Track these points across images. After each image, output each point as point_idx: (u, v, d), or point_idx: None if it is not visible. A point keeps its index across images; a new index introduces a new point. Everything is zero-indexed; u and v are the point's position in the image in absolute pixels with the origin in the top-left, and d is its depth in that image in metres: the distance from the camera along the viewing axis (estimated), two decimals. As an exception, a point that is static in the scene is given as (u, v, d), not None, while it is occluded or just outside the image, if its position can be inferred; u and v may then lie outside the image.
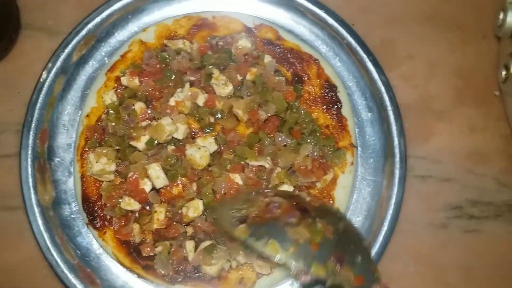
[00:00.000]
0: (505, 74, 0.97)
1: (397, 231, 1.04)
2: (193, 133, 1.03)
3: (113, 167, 0.99)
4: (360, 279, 0.79)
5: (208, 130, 1.03)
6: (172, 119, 1.00)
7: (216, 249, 0.95)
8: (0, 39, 1.09)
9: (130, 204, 0.98)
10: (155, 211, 0.98)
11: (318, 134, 1.04)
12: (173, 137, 1.00)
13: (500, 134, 1.12)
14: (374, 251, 1.02)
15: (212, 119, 1.03)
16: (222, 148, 1.02)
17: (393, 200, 1.03)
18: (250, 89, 1.02)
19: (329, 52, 1.13)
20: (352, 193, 1.06)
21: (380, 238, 1.02)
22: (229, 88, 1.02)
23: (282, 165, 0.99)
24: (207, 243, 0.96)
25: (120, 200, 0.98)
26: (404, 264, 1.06)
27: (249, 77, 1.04)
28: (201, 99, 1.01)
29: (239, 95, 1.03)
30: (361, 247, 0.85)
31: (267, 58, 1.06)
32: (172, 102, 1.01)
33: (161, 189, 1.00)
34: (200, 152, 0.98)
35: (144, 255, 0.98)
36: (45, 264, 1.01)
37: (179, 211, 0.99)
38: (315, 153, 1.01)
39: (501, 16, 0.99)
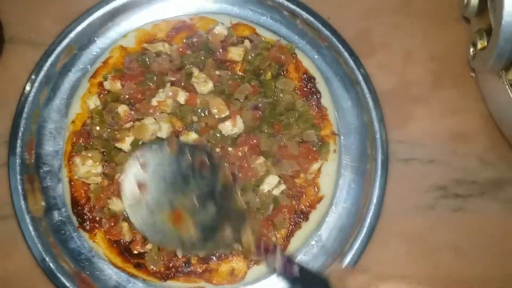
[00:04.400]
0: (473, 51, 1.00)
1: (384, 215, 1.06)
2: (176, 132, 1.05)
3: (99, 169, 1.01)
4: None
5: (192, 128, 1.05)
6: (155, 118, 1.02)
7: None
8: (-16, 54, 1.12)
9: (118, 204, 0.99)
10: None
11: (305, 119, 1.06)
12: (157, 136, 1.02)
13: (480, 113, 1.14)
14: (361, 236, 1.03)
15: (195, 118, 1.05)
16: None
17: (377, 184, 1.05)
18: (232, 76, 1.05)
19: (306, 45, 1.16)
20: (337, 180, 1.07)
21: (367, 223, 1.03)
22: (209, 85, 1.04)
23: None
24: None
25: (108, 201, 1.00)
26: (394, 247, 1.07)
27: (235, 57, 1.07)
28: (181, 97, 1.03)
29: (221, 89, 1.05)
30: None
31: (247, 43, 1.08)
32: (154, 102, 1.03)
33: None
34: None
35: (135, 252, 0.99)
36: (39, 270, 1.02)
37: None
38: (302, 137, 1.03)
39: None
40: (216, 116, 1.02)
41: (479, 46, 0.97)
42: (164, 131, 1.02)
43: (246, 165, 1.00)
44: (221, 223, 0.92)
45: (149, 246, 0.98)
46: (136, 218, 0.91)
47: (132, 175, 0.91)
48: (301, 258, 1.05)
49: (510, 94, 0.92)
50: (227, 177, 0.95)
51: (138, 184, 0.91)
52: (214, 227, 0.92)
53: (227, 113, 1.02)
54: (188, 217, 0.91)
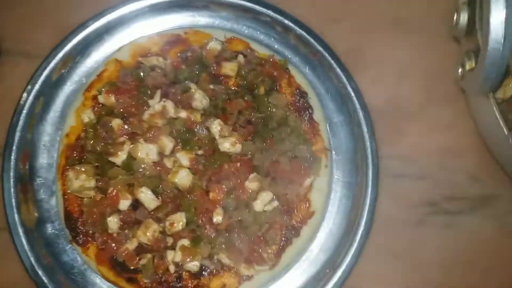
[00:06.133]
0: (461, 71, 1.01)
1: (375, 230, 1.07)
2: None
3: (92, 183, 1.01)
4: None
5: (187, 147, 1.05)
6: (145, 140, 1.02)
7: (200, 242, 0.98)
8: (-20, 66, 1.13)
9: (116, 222, 1.00)
10: (146, 227, 0.99)
11: (297, 134, 1.07)
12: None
13: (470, 130, 1.15)
14: (352, 251, 1.04)
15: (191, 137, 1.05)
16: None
17: (367, 200, 1.06)
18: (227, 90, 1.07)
19: (299, 61, 1.17)
20: (328, 195, 1.08)
21: (358, 238, 1.04)
22: (205, 102, 1.06)
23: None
24: (184, 241, 0.99)
25: (109, 219, 1.00)
26: (383, 262, 1.09)
27: (229, 72, 1.08)
28: (171, 112, 1.04)
29: (215, 104, 1.06)
30: None
31: (240, 58, 1.10)
32: (146, 115, 1.04)
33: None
34: (181, 174, 1.01)
35: (131, 267, 0.99)
36: (31, 283, 1.03)
37: (161, 224, 1.01)
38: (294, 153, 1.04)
39: (455, 16, 1.03)
40: (216, 136, 1.04)
41: (467, 67, 0.98)
42: (153, 153, 1.02)
43: (239, 181, 1.01)
44: None
45: (143, 261, 0.99)
46: None
47: None
48: (292, 273, 1.06)
49: (497, 114, 0.93)
50: None
51: None
52: None
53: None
54: None
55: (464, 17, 0.99)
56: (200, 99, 1.05)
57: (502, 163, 1.10)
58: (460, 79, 1.02)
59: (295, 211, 1.04)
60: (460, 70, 1.00)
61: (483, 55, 0.86)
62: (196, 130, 1.04)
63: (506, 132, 0.94)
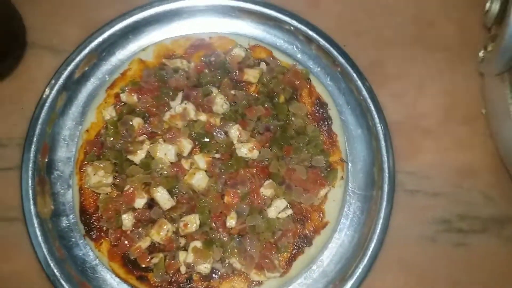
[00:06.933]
0: (483, 53, 1.02)
1: (387, 244, 1.07)
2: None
3: (110, 180, 1.03)
4: None
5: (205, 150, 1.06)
6: (164, 140, 1.04)
7: (213, 244, 0.99)
8: (6, 57, 1.14)
9: (131, 220, 1.01)
10: (159, 226, 1.00)
11: (315, 144, 1.07)
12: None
13: (487, 150, 1.15)
14: (363, 264, 1.04)
15: (209, 140, 1.06)
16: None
17: (382, 214, 1.06)
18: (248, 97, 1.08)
19: (321, 71, 1.18)
20: (342, 207, 1.09)
21: (369, 251, 1.04)
22: (225, 106, 1.06)
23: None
24: (197, 243, 0.99)
25: (123, 216, 1.01)
26: (393, 277, 1.09)
27: (251, 78, 1.09)
28: (191, 114, 1.05)
29: (235, 109, 1.07)
30: None
31: (263, 65, 1.11)
32: (167, 116, 1.05)
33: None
34: (197, 176, 1.02)
35: (143, 266, 1.00)
36: (43, 275, 1.04)
37: (175, 224, 1.02)
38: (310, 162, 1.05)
39: (488, 3, 1.03)
40: (234, 141, 1.05)
41: (489, 49, 0.99)
42: (172, 154, 1.03)
43: (254, 187, 1.01)
44: None
45: (155, 260, 1.00)
46: None
47: None
48: (302, 281, 1.06)
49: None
50: None
51: None
52: None
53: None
54: None
55: (496, 6, 1.00)
56: (220, 104, 1.06)
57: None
58: (480, 61, 1.03)
59: (309, 220, 1.05)
60: (481, 52, 1.01)
61: (503, 32, 0.87)
62: (215, 133, 1.05)
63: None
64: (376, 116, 1.11)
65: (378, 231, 1.05)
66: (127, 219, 1.01)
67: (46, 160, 1.10)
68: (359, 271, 1.03)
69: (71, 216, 1.08)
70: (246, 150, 1.03)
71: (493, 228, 1.13)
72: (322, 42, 1.16)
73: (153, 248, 1.02)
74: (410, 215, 1.11)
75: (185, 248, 1.01)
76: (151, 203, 1.03)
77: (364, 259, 1.04)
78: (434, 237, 1.11)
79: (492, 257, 1.11)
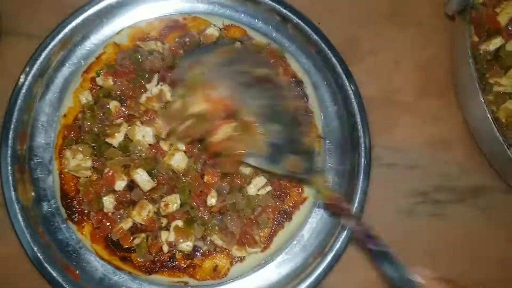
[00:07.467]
0: None
1: (365, 217, 1.09)
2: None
3: (89, 163, 1.03)
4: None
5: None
6: (142, 122, 1.04)
7: (194, 223, 1.00)
8: (-20, 45, 1.14)
9: (112, 202, 1.02)
10: (140, 207, 1.01)
11: None
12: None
13: (460, 122, 1.18)
14: (342, 237, 1.06)
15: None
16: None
17: (359, 188, 1.08)
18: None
19: (296, 49, 1.19)
20: (321, 182, 1.11)
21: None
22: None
23: None
24: (178, 222, 1.00)
25: (104, 199, 1.02)
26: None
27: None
28: (167, 95, 1.05)
29: None
30: None
31: (237, 44, 1.11)
32: (143, 98, 1.05)
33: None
34: (177, 157, 1.02)
35: (125, 246, 1.01)
36: (27, 259, 1.04)
37: (156, 205, 1.03)
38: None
39: None
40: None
41: None
42: (149, 135, 1.04)
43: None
44: (291, 147, 0.95)
45: (137, 241, 1.01)
46: None
47: None
48: (283, 256, 1.08)
49: (486, 108, 0.96)
50: (298, 107, 1.01)
51: None
52: (283, 149, 0.95)
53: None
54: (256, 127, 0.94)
55: None
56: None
57: (489, 158, 1.12)
58: (445, 4, 1.09)
59: (288, 196, 1.06)
60: None
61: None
62: None
63: (494, 128, 0.97)
64: (351, 92, 1.13)
65: (356, 204, 1.08)
66: (108, 201, 1.02)
67: (25, 147, 1.10)
68: (338, 244, 1.06)
69: (53, 201, 1.09)
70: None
71: (469, 198, 1.16)
72: (297, 20, 1.17)
73: (135, 229, 1.03)
74: (387, 188, 1.14)
75: (167, 228, 1.02)
76: (132, 185, 1.03)
77: (342, 232, 1.06)
78: (412, 209, 1.14)
79: (469, 226, 1.14)
